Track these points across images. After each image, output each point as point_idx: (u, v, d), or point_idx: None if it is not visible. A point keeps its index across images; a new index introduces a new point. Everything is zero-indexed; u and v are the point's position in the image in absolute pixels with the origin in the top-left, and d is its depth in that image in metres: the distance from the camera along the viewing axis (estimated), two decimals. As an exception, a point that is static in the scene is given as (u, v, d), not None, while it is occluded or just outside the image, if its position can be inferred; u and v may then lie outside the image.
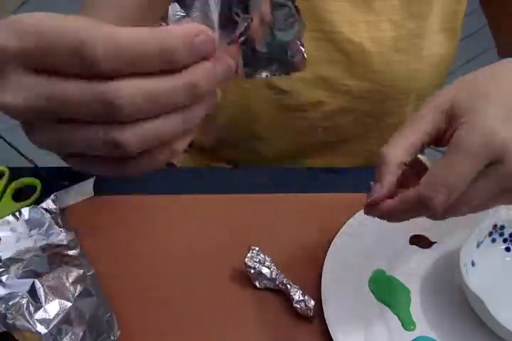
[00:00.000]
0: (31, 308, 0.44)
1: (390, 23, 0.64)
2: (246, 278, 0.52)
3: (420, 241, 0.56)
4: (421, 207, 0.38)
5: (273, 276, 0.50)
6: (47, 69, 0.25)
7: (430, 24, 0.64)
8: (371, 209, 0.42)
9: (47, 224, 0.52)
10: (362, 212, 0.58)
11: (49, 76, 0.26)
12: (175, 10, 0.30)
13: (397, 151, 0.40)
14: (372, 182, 0.41)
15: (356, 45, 0.64)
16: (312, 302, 0.48)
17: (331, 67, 0.66)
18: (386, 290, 0.51)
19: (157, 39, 0.25)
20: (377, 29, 0.64)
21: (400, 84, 0.66)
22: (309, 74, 0.66)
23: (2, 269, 0.48)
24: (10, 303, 0.44)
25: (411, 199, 0.39)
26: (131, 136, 0.26)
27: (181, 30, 0.25)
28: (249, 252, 0.51)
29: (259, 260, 0.51)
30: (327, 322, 0.47)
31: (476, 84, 0.40)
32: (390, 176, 0.40)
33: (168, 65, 0.25)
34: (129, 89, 0.25)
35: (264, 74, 0.32)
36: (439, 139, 0.40)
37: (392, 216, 0.41)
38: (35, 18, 0.26)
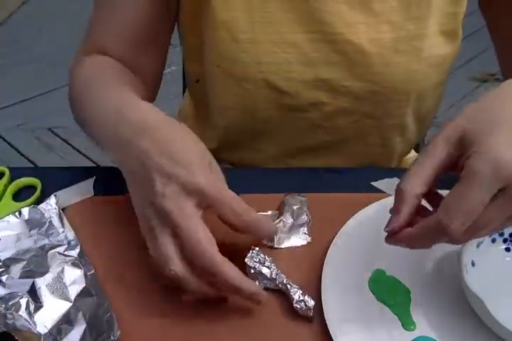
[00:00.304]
0: (31, 308, 0.44)
1: (389, 25, 0.64)
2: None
3: (420, 241, 0.56)
4: (440, 234, 0.41)
5: (273, 276, 0.50)
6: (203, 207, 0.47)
7: (429, 26, 0.64)
8: (392, 238, 0.45)
9: (47, 224, 0.53)
10: (362, 212, 0.58)
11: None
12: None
13: (414, 183, 0.43)
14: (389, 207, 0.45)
15: (355, 47, 0.64)
16: (312, 303, 0.48)
17: (331, 68, 0.66)
18: (386, 290, 0.51)
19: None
20: (376, 31, 0.64)
21: (399, 85, 0.66)
22: (309, 75, 0.66)
23: (2, 269, 0.48)
24: (10, 303, 0.44)
25: (430, 226, 0.42)
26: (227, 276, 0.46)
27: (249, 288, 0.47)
28: (249, 252, 0.51)
29: (259, 260, 0.51)
30: (327, 322, 0.47)
31: (484, 111, 0.43)
32: (407, 208, 0.43)
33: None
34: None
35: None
36: (453, 166, 0.43)
37: (413, 243, 0.44)
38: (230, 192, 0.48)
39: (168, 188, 0.46)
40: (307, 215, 0.58)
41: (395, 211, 0.44)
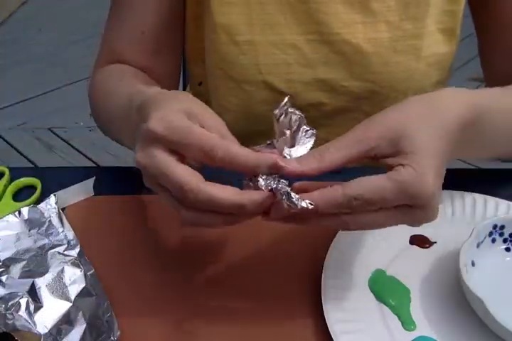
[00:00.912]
0: (31, 308, 0.44)
1: (386, 25, 0.64)
2: (245, 277, 0.52)
3: (420, 241, 0.56)
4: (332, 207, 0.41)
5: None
6: (176, 153, 0.42)
7: (427, 25, 0.64)
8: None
9: (46, 224, 0.52)
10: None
11: (169, 155, 0.42)
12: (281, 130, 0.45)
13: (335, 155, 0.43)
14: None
15: (354, 47, 0.64)
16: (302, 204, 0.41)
17: (330, 68, 0.66)
18: (386, 290, 0.51)
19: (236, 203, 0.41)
20: (374, 30, 0.64)
21: (399, 84, 0.67)
22: (309, 76, 0.66)
23: (2, 269, 0.48)
24: (10, 303, 0.44)
25: (332, 200, 0.40)
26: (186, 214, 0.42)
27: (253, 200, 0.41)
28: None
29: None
30: (327, 322, 0.47)
31: (425, 118, 0.43)
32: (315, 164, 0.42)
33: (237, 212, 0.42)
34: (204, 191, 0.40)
35: None
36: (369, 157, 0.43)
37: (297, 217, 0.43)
38: (183, 121, 0.42)
39: (137, 145, 0.44)
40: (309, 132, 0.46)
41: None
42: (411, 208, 0.41)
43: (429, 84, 0.68)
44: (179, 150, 0.42)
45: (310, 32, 0.64)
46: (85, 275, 0.47)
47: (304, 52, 0.65)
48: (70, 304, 0.45)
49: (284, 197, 0.40)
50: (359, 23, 0.64)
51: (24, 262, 0.49)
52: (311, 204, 0.40)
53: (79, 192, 0.61)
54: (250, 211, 0.41)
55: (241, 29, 0.64)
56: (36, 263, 0.48)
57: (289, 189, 0.41)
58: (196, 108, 0.45)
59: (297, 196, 0.40)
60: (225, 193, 0.40)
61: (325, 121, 0.70)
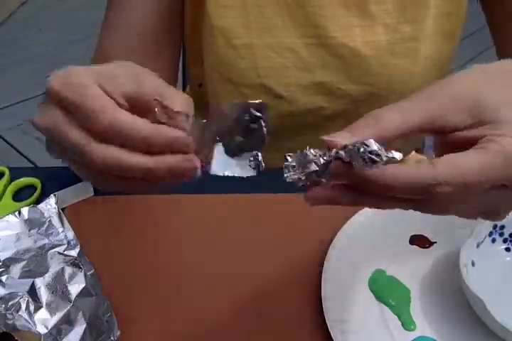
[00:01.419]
0: (31, 308, 0.44)
1: (384, 27, 0.64)
2: (245, 277, 0.52)
3: (420, 241, 0.56)
4: (420, 191, 0.32)
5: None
6: (67, 110, 0.36)
7: (426, 27, 0.64)
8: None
9: (46, 224, 0.52)
10: (362, 211, 0.58)
11: (65, 115, 0.36)
12: None
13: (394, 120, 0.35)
14: None
15: (351, 50, 0.64)
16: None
17: (328, 72, 0.66)
18: (386, 290, 0.51)
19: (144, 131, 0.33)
20: (372, 33, 0.64)
21: (397, 87, 0.66)
22: (306, 80, 0.66)
23: (2, 269, 0.48)
24: (10, 303, 0.44)
25: (418, 178, 0.32)
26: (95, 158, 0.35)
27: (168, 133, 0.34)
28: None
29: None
30: (327, 322, 0.47)
31: (503, 88, 0.36)
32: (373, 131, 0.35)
33: (146, 148, 0.34)
34: (100, 152, 0.34)
35: (227, 173, 0.38)
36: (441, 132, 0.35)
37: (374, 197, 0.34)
38: (83, 79, 0.36)
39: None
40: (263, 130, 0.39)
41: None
42: (507, 189, 0.33)
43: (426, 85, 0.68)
44: (73, 112, 0.35)
45: (308, 35, 0.64)
46: (85, 275, 0.47)
47: (302, 56, 0.65)
48: (70, 304, 0.45)
49: (361, 148, 0.31)
50: (356, 26, 0.63)
51: (24, 262, 0.49)
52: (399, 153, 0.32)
53: (79, 192, 0.61)
54: (164, 163, 0.34)
55: (239, 32, 0.64)
56: (36, 263, 0.48)
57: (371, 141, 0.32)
58: (137, 68, 0.39)
59: (379, 145, 0.32)
60: (138, 122, 0.33)
61: (324, 123, 0.70)
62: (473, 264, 0.51)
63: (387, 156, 0.31)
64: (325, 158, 0.34)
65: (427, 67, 0.66)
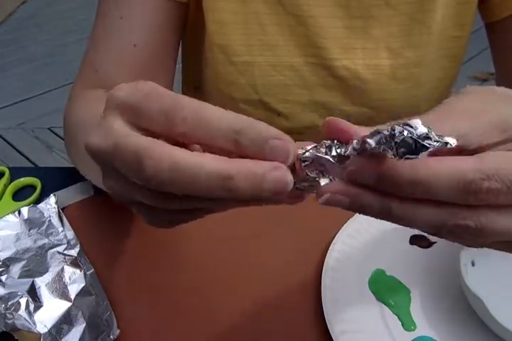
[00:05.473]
0: (31, 308, 0.44)
1: (387, 51, 0.63)
2: (245, 277, 0.52)
3: (420, 241, 0.56)
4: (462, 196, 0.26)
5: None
6: (136, 125, 0.29)
7: (429, 52, 0.63)
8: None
9: (46, 224, 0.53)
10: (362, 211, 0.58)
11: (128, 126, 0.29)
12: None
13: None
14: None
15: (352, 72, 0.64)
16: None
17: (328, 92, 0.65)
18: (386, 290, 0.51)
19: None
20: (374, 57, 0.63)
21: (398, 110, 0.66)
22: (306, 98, 0.66)
23: (2, 269, 0.48)
24: (10, 303, 0.44)
25: (454, 175, 0.26)
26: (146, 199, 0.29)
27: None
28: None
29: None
30: (327, 322, 0.47)
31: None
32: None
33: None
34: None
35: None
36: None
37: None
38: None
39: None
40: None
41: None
42: None
43: (429, 108, 0.68)
44: (139, 121, 0.29)
45: (309, 55, 0.64)
46: (85, 274, 0.48)
47: (302, 74, 0.65)
48: (70, 303, 0.45)
49: (405, 131, 0.24)
50: (359, 48, 0.63)
51: (24, 262, 0.49)
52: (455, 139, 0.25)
53: (79, 192, 0.61)
54: (243, 189, 0.26)
55: (238, 50, 0.63)
56: (36, 263, 0.48)
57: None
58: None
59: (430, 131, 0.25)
60: (199, 159, 0.26)
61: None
62: (473, 264, 0.51)
63: (439, 141, 0.24)
64: (339, 150, 0.27)
65: (430, 89, 0.65)
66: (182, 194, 0.27)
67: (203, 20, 0.64)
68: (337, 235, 0.55)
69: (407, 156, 0.24)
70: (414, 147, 0.24)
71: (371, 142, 0.25)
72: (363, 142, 0.25)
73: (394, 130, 0.25)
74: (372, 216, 0.29)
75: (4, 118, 2.12)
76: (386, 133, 0.25)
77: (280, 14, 0.62)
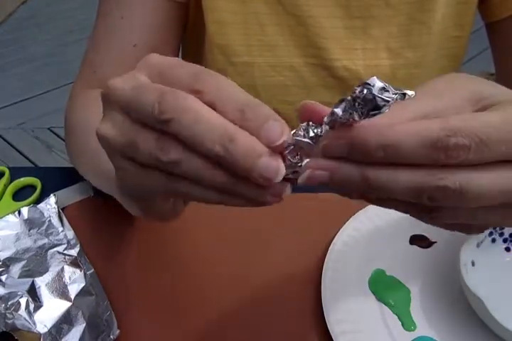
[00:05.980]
0: (31, 308, 0.44)
1: (387, 51, 0.63)
2: (245, 277, 0.52)
3: (420, 241, 0.56)
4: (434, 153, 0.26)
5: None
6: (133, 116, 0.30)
7: (429, 53, 0.63)
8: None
9: (46, 224, 0.53)
10: (362, 211, 0.58)
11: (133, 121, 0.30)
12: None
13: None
14: None
15: (352, 73, 0.64)
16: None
17: (328, 92, 0.65)
18: (386, 290, 0.51)
19: None
20: (374, 57, 0.63)
21: None
22: (305, 98, 0.65)
23: (2, 269, 0.48)
24: (10, 303, 0.44)
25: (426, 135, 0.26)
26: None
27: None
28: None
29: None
30: (327, 322, 0.47)
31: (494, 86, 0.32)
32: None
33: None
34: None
35: None
36: None
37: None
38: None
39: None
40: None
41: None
42: None
43: None
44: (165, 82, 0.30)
45: (309, 55, 0.64)
46: (85, 274, 0.48)
47: (302, 75, 0.64)
48: (70, 303, 0.45)
49: (365, 90, 0.25)
50: (359, 49, 0.63)
51: (24, 262, 0.49)
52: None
53: (79, 192, 0.61)
54: (236, 154, 0.26)
55: (238, 50, 0.63)
56: (36, 263, 0.48)
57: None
58: None
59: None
60: (213, 112, 0.28)
61: None
62: (473, 264, 0.51)
63: (397, 93, 0.25)
64: (315, 131, 0.28)
65: None
66: (183, 137, 0.27)
67: (203, 20, 0.64)
68: (337, 235, 0.55)
69: (372, 113, 0.25)
70: (376, 102, 0.25)
71: (338, 111, 0.26)
72: (331, 113, 0.27)
73: (355, 91, 0.26)
74: (353, 189, 0.29)
75: (4, 118, 2.12)
76: (349, 98, 0.26)
77: (280, 14, 0.62)
